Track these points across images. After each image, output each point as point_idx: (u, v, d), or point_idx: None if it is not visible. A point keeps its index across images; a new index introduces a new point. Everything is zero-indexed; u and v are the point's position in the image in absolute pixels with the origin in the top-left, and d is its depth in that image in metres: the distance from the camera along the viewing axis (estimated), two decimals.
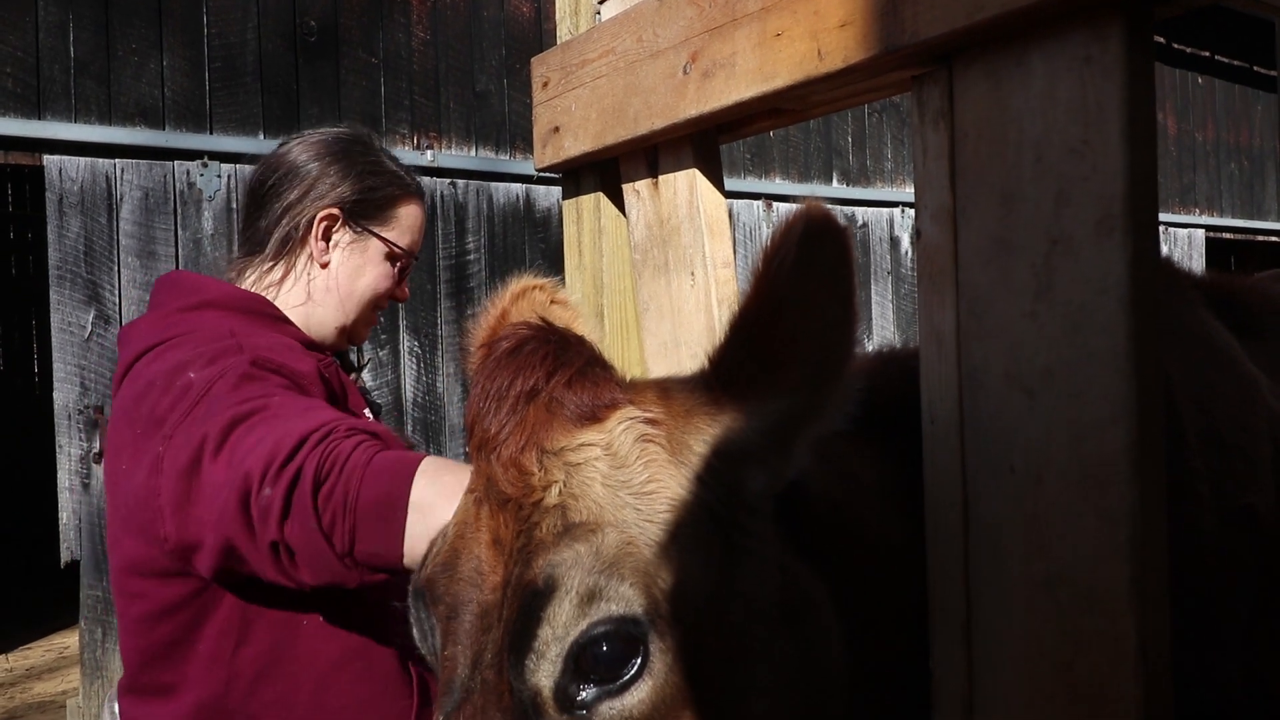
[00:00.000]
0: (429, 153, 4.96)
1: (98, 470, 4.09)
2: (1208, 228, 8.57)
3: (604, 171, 1.44)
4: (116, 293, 4.16)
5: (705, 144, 1.26)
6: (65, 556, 4.02)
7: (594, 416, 0.83)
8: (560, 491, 0.80)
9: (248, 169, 4.52)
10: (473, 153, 5.13)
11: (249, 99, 4.54)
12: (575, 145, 1.39)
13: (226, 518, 1.04)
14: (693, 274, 1.26)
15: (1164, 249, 8.20)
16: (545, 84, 1.46)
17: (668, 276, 1.30)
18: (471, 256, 5.11)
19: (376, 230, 1.41)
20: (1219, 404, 1.16)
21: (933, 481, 0.94)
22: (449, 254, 5.02)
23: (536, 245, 5.26)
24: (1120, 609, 0.78)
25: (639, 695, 0.76)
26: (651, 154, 1.33)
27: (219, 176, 4.44)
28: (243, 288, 1.41)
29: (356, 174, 1.40)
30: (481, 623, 0.81)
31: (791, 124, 1.15)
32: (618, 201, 1.44)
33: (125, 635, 1.29)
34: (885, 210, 6.69)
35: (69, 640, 5.48)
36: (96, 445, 4.06)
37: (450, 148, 5.06)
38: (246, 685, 1.20)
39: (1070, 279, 0.82)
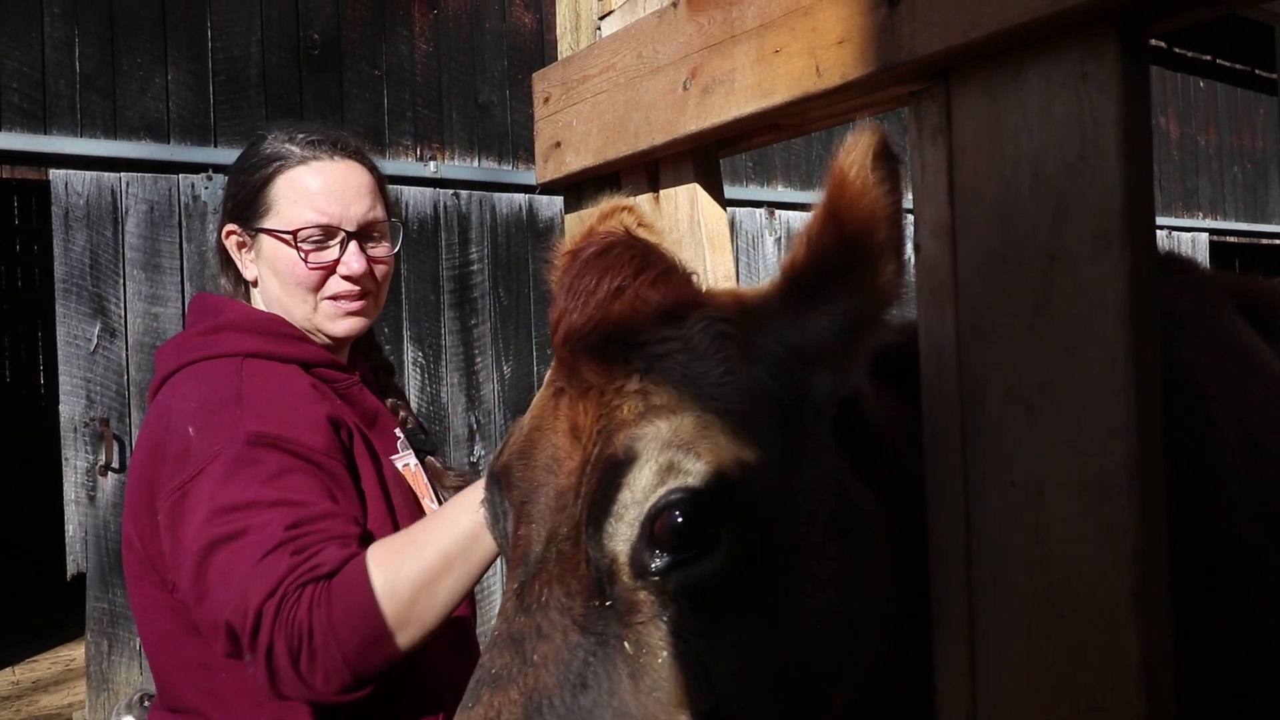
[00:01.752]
0: (432, 164, 4.98)
1: (104, 483, 4.10)
2: (1211, 231, 8.57)
3: (605, 186, 1.44)
4: (122, 305, 4.18)
5: (705, 159, 1.27)
6: (71, 569, 4.03)
7: (675, 315, 0.89)
8: (641, 379, 0.86)
9: None
10: (476, 163, 5.14)
11: (253, 112, 4.56)
12: (577, 160, 1.40)
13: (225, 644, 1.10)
14: None
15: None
16: (546, 99, 1.47)
17: None
18: (475, 267, 5.13)
19: (259, 225, 1.34)
20: (1256, 410, 1.16)
21: (935, 494, 0.94)
22: (452, 264, 5.03)
23: (540, 255, 5.27)
24: (1122, 622, 0.78)
25: (707, 568, 0.80)
26: (652, 169, 1.33)
27: (223, 190, 4.46)
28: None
29: (232, 179, 1.38)
30: (557, 503, 0.86)
31: (791, 138, 1.16)
32: None
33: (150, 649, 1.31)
34: None
35: (75, 653, 5.49)
36: (102, 458, 4.07)
37: (453, 159, 5.08)
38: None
39: (1069, 293, 0.82)
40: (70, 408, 4.05)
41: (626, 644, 0.80)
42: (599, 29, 1.44)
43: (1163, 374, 0.79)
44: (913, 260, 0.94)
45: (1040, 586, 0.85)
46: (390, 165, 4.86)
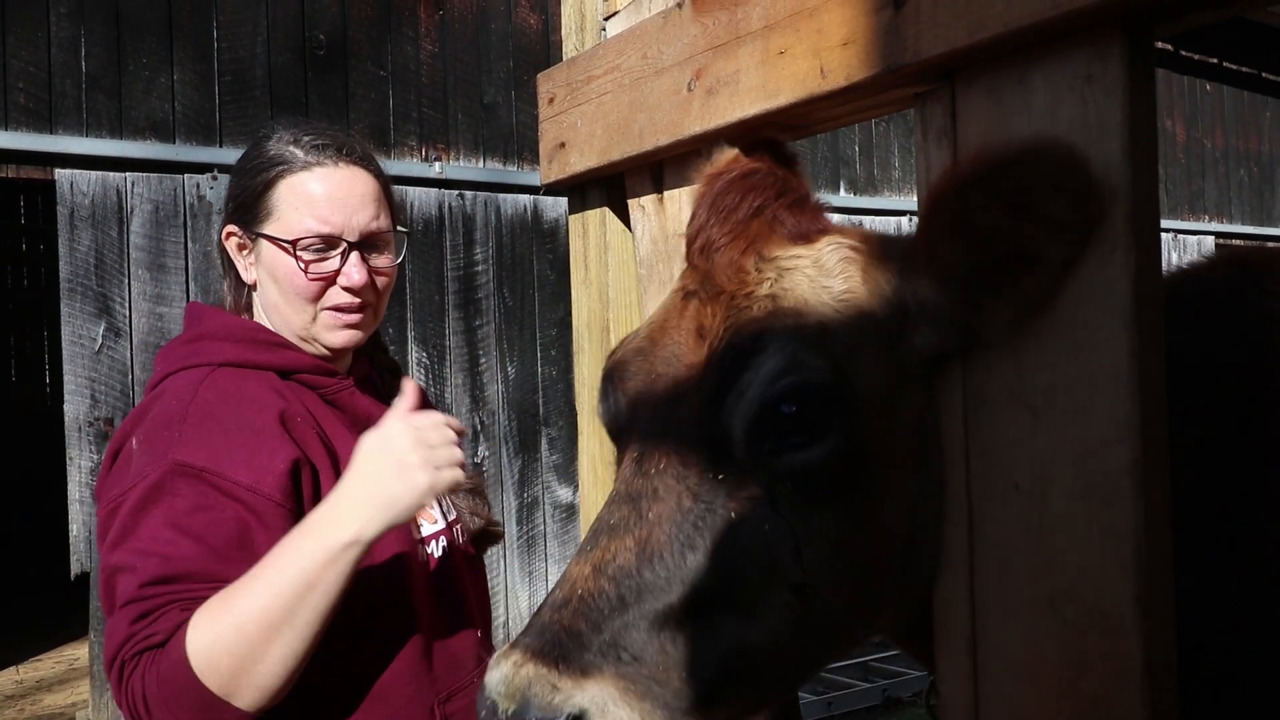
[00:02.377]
0: (437, 164, 4.99)
1: None
2: (1217, 234, 8.54)
3: (610, 187, 1.44)
4: (127, 305, 4.19)
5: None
6: (75, 568, 4.03)
7: (807, 237, 0.99)
8: (771, 285, 0.95)
9: None
10: (481, 164, 5.15)
11: (258, 112, 4.57)
12: (581, 161, 1.39)
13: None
14: None
15: (1174, 256, 8.18)
16: (551, 100, 1.47)
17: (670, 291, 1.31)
18: (480, 268, 5.13)
19: (260, 230, 1.30)
20: None
21: (942, 502, 0.93)
22: (457, 265, 5.04)
23: (545, 256, 5.27)
24: (1125, 628, 0.78)
25: (814, 455, 0.88)
26: (657, 170, 1.33)
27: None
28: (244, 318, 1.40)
29: (235, 179, 1.34)
30: (675, 390, 0.95)
31: (795, 139, 1.16)
32: (623, 216, 1.44)
33: None
34: (893, 219, 6.68)
35: (79, 652, 5.49)
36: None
37: (458, 159, 5.09)
38: None
39: (1073, 297, 0.82)
40: (75, 407, 4.06)
41: (733, 514, 0.89)
42: (604, 30, 1.43)
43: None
44: None
45: (1043, 591, 0.84)
46: (395, 166, 4.87)
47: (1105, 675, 0.79)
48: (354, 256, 1.29)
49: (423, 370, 4.93)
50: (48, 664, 5.55)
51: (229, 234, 1.36)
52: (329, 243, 1.29)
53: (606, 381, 1.05)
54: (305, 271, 1.29)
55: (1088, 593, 0.81)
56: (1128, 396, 0.78)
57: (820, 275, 0.96)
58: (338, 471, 1.24)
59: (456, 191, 5.08)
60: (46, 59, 4.10)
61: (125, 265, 4.22)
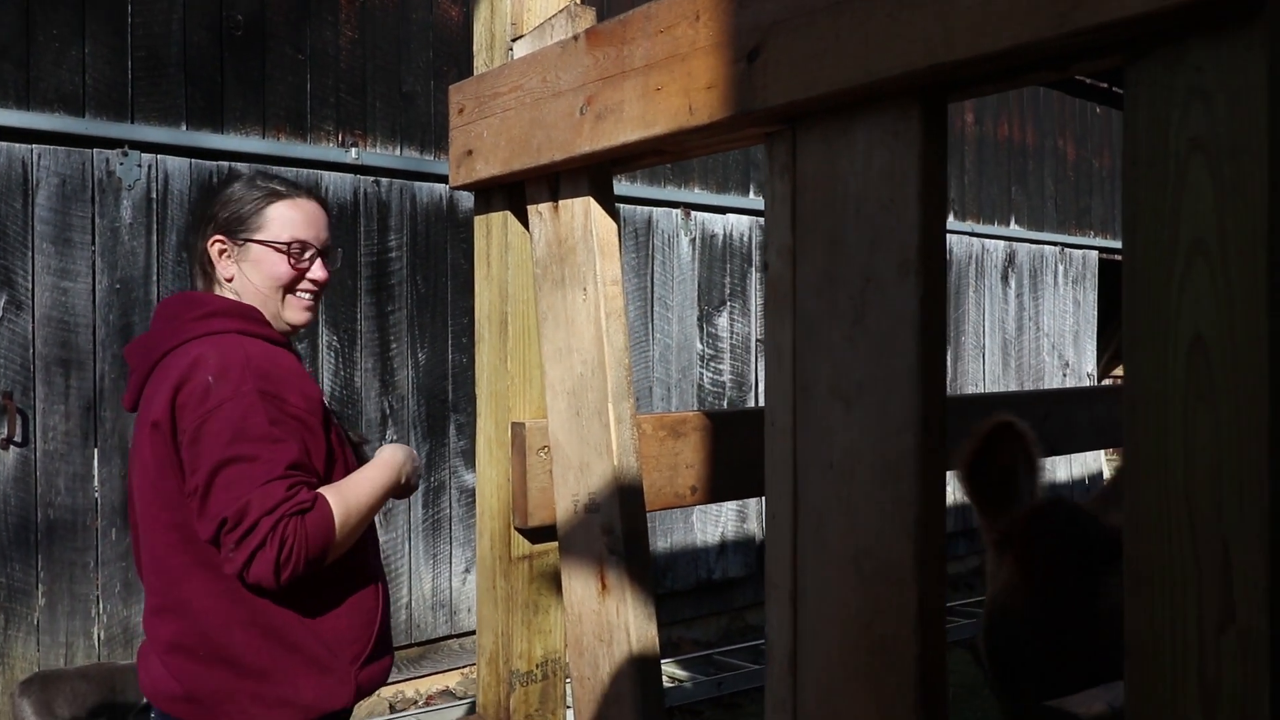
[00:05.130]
0: (354, 150, 5.03)
1: (4, 456, 4.05)
2: (1101, 249, 9.09)
3: (511, 192, 1.58)
4: (30, 278, 4.13)
5: (599, 175, 1.42)
6: None
7: None
8: None
9: (169, 159, 4.51)
10: (398, 152, 5.20)
11: (173, 89, 4.54)
12: (486, 168, 1.54)
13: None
14: (585, 289, 1.42)
15: (1060, 269, 8.68)
16: (461, 110, 1.60)
17: (564, 290, 1.46)
18: (393, 254, 5.18)
19: (253, 237, 1.74)
20: None
21: (771, 473, 1.11)
22: (370, 251, 5.08)
23: (459, 245, 5.35)
24: (907, 579, 0.97)
25: None
26: (553, 180, 1.48)
27: (139, 166, 4.44)
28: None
29: (223, 204, 1.77)
30: None
31: (673, 161, 1.32)
32: (523, 220, 1.59)
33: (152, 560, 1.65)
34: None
35: None
36: (4, 431, 4.03)
37: (375, 146, 5.12)
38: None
39: (879, 310, 1.00)
40: None
41: None
42: (511, 50, 1.58)
43: None
44: (764, 276, 1.11)
45: (849, 550, 1.03)
46: (311, 150, 4.89)
47: (891, 618, 0.98)
48: (319, 260, 1.74)
49: (332, 354, 4.97)
50: None
51: (215, 241, 1.75)
52: (304, 248, 1.72)
53: None
54: (293, 266, 1.72)
55: (881, 551, 0.99)
56: (915, 392, 0.96)
57: None
58: (335, 423, 1.75)
59: (372, 178, 5.12)
60: None
61: (30, 238, 4.17)
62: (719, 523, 6.18)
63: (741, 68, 1.09)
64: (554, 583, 1.60)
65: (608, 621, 1.38)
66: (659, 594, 5.84)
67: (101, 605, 4.25)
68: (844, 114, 1.03)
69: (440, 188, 5.31)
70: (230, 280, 1.74)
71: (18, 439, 4.04)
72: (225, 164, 4.66)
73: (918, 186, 0.97)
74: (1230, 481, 0.74)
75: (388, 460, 1.66)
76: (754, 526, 6.51)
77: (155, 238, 4.46)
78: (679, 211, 6.20)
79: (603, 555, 1.39)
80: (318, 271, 1.73)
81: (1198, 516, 0.76)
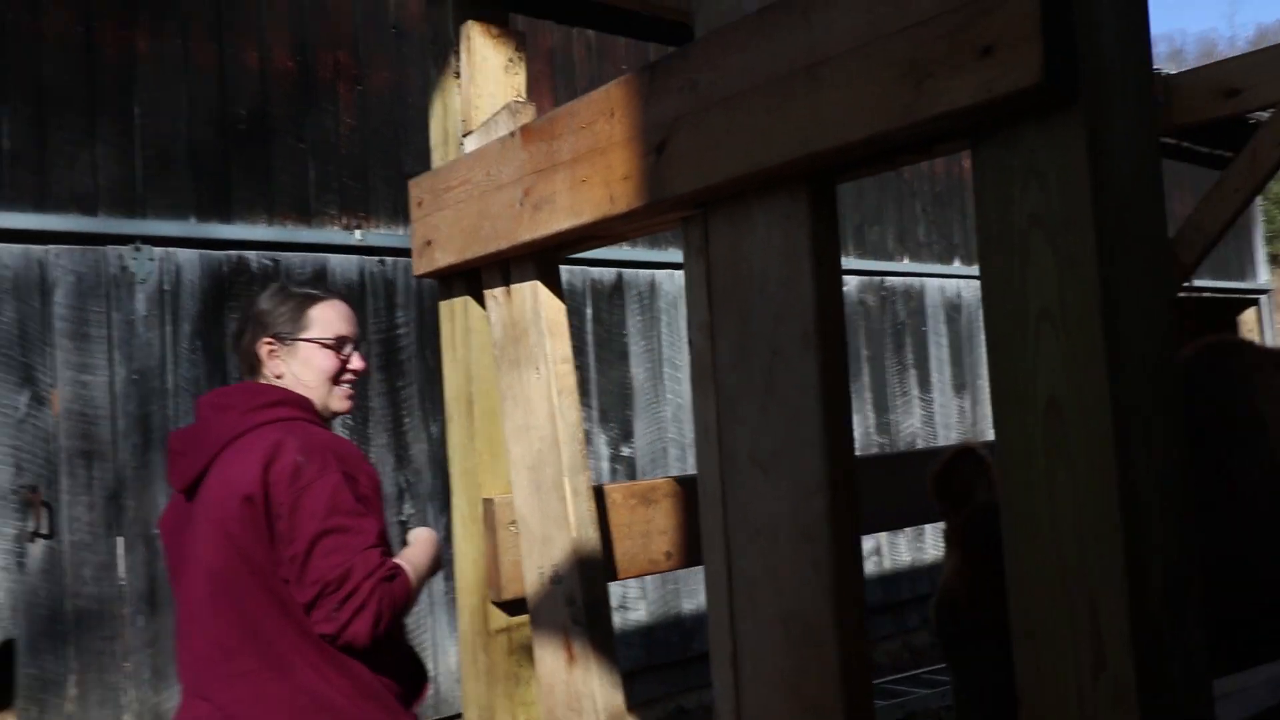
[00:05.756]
0: (358, 232, 5.18)
1: (32, 549, 4.16)
2: None
3: (469, 279, 1.67)
4: (51, 374, 4.28)
5: (544, 261, 1.50)
6: (0, 635, 4.07)
7: None
8: None
9: (180, 251, 4.65)
10: (401, 231, 5.34)
11: (181, 185, 4.72)
12: (444, 257, 1.62)
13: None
14: (537, 368, 1.49)
15: None
16: (420, 203, 1.69)
17: (519, 370, 1.53)
18: (401, 331, 5.30)
19: (301, 336, 1.93)
20: None
21: (706, 541, 1.16)
22: (379, 328, 5.20)
23: None
24: (827, 639, 1.01)
25: None
26: (505, 267, 1.56)
27: (151, 260, 4.60)
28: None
29: (264, 310, 1.97)
30: None
31: (607, 245, 1.39)
32: (482, 304, 1.66)
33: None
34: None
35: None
36: (30, 524, 4.14)
37: (379, 226, 5.28)
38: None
39: (786, 381, 1.06)
40: None
41: None
42: (462, 144, 1.67)
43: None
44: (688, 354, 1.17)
45: (778, 613, 1.07)
46: (316, 234, 5.04)
47: (817, 677, 1.02)
48: (356, 352, 1.94)
49: (346, 431, 5.07)
50: None
51: (264, 344, 1.94)
52: (343, 342, 1.92)
53: None
54: (338, 359, 1.91)
55: (804, 613, 1.04)
56: (822, 458, 1.01)
57: None
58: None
59: (377, 258, 5.26)
60: None
61: (49, 335, 4.32)
62: None
63: (652, 160, 1.17)
64: (532, 654, 1.65)
65: (575, 691, 1.42)
66: (688, 657, 5.81)
67: (131, 694, 4.31)
68: (745, 198, 1.10)
69: None
70: (280, 377, 1.94)
71: (44, 531, 4.14)
72: (234, 253, 4.81)
73: (811, 263, 1.03)
74: (1091, 537, 0.78)
75: (429, 538, 1.84)
76: None
77: (170, 328, 4.60)
78: (682, 273, 6.29)
79: (567, 626, 1.44)
80: (357, 362, 1.94)
81: (1068, 571, 0.80)
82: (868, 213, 7.39)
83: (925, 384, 7.60)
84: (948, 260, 8.04)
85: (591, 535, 1.44)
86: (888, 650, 7.10)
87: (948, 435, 7.67)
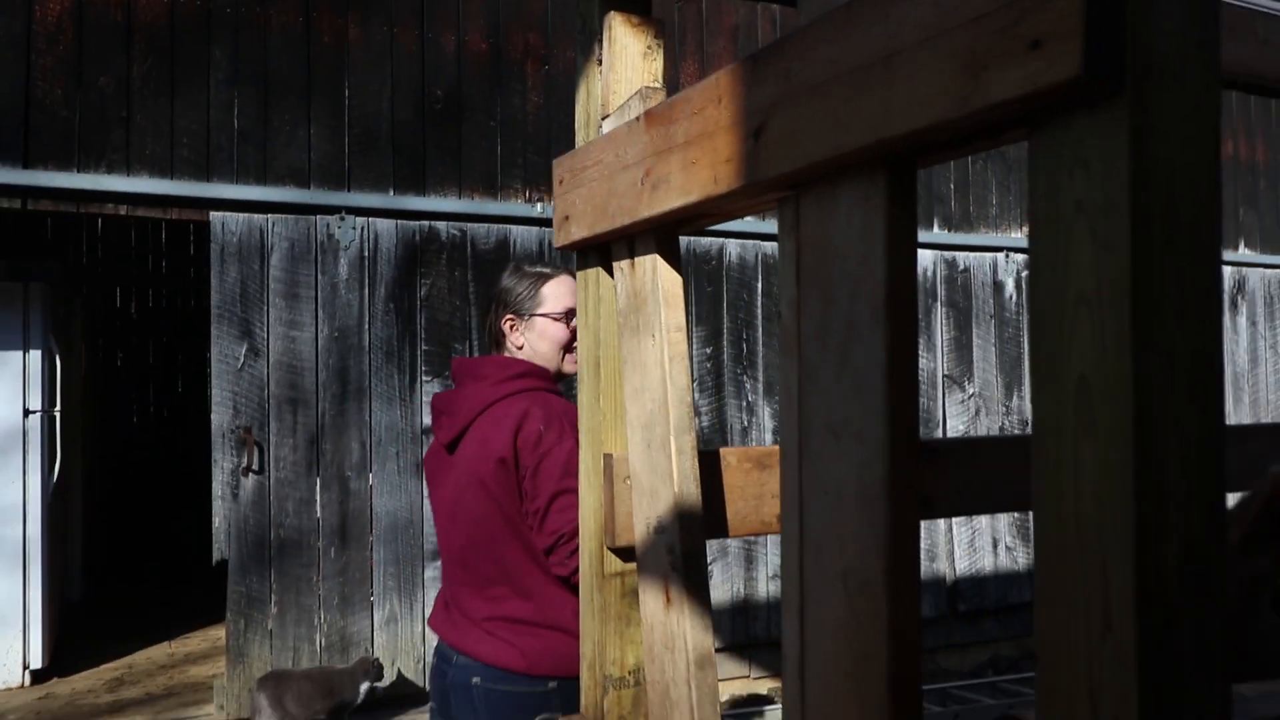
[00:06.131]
0: (539, 205, 5.46)
1: (246, 482, 4.72)
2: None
3: (601, 251, 1.80)
4: (265, 329, 4.81)
5: (664, 235, 1.61)
6: (216, 555, 4.64)
7: None
8: None
9: (379, 221, 5.06)
10: None
11: (382, 161, 5.15)
12: (579, 231, 1.76)
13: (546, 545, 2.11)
14: (653, 335, 1.61)
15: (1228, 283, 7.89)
16: (560, 181, 1.84)
17: (638, 337, 1.66)
18: None
19: (536, 311, 2.28)
20: None
21: (784, 501, 1.25)
22: None
23: None
24: (880, 594, 1.08)
25: None
26: (630, 240, 1.68)
27: (354, 229, 5.05)
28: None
29: (505, 290, 2.34)
30: None
31: (720, 223, 1.49)
32: (611, 275, 1.80)
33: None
34: (989, 255, 6.77)
35: (219, 633, 6.19)
36: (244, 461, 4.69)
37: None
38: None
39: (857, 353, 1.12)
40: (220, 417, 4.69)
41: None
42: (600, 127, 1.80)
43: None
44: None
45: (839, 568, 1.15)
46: (501, 207, 5.37)
47: (870, 630, 1.09)
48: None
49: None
50: (194, 641, 6.27)
51: (506, 320, 2.30)
52: (571, 314, 2.23)
53: None
54: (569, 330, 2.26)
55: (861, 569, 1.11)
56: (884, 426, 1.08)
57: None
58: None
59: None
60: (206, 119, 4.79)
61: (265, 295, 4.85)
62: None
63: (750, 144, 1.25)
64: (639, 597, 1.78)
65: (670, 631, 1.54)
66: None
67: (322, 616, 4.82)
68: (829, 180, 1.17)
69: None
70: (520, 348, 2.30)
71: (255, 468, 4.69)
72: (426, 223, 5.21)
73: (884, 246, 1.09)
74: (1108, 507, 0.82)
75: None
76: (944, 566, 6.35)
77: (367, 291, 5.05)
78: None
79: (667, 572, 1.56)
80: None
81: (1085, 539, 0.84)
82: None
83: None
84: None
85: (693, 491, 1.55)
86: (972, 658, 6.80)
87: None
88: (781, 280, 1.27)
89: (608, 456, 1.76)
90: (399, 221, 5.15)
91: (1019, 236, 6.88)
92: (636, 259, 1.66)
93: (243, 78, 4.89)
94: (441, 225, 5.23)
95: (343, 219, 5.01)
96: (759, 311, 5.94)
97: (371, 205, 5.08)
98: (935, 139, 1.01)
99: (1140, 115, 0.82)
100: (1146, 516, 0.80)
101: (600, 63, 1.81)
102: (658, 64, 1.81)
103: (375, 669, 4.59)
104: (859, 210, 1.13)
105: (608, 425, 1.79)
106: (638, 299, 1.66)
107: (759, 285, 5.97)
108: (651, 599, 1.61)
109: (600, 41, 1.81)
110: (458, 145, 5.37)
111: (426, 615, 4.92)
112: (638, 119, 1.55)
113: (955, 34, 0.94)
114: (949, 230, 6.68)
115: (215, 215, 4.76)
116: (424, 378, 5.04)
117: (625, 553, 1.76)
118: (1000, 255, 6.78)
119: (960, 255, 6.63)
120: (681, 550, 1.52)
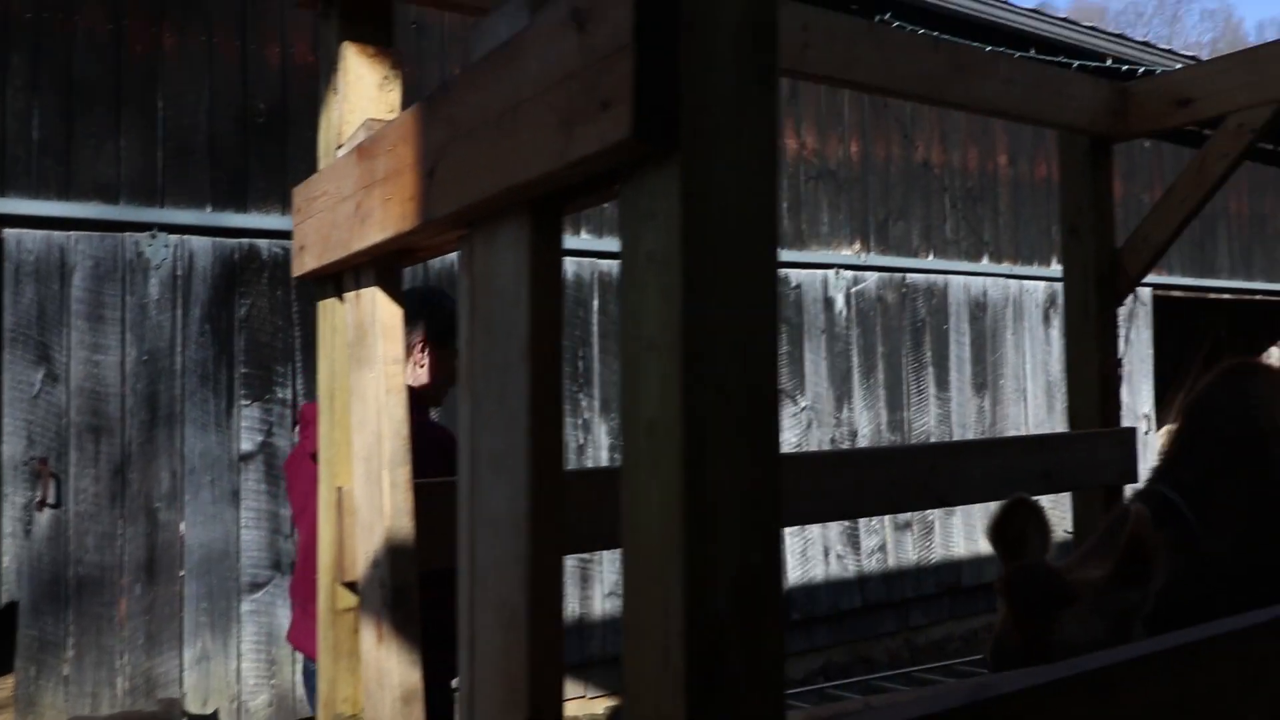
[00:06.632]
0: None
1: (40, 517, 4.44)
2: (1156, 286, 8.90)
3: (336, 281, 1.79)
4: (66, 353, 4.56)
5: (383, 267, 1.62)
6: (4, 598, 4.35)
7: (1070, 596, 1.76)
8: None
9: (194, 239, 4.87)
10: None
11: (199, 175, 4.97)
12: (310, 262, 1.75)
13: None
14: (373, 368, 1.61)
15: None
16: (298, 210, 1.83)
17: (361, 369, 1.65)
18: None
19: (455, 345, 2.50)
20: None
21: (459, 536, 1.27)
22: None
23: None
24: (521, 624, 1.11)
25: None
26: (356, 272, 1.68)
27: (166, 247, 4.85)
28: None
29: (429, 317, 2.62)
30: None
31: (430, 257, 1.50)
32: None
33: None
34: (820, 272, 7.03)
35: (8, 682, 5.78)
36: (38, 493, 4.42)
37: None
38: None
39: (511, 391, 1.16)
40: (11, 448, 4.41)
41: None
42: (334, 158, 1.80)
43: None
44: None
45: (495, 600, 1.17)
46: None
47: (512, 661, 1.12)
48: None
49: None
50: None
51: (423, 343, 2.58)
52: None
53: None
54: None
55: (509, 600, 1.14)
56: (525, 461, 1.11)
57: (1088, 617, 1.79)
58: None
59: None
60: (1, 128, 4.51)
61: (66, 317, 4.60)
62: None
63: (427, 182, 1.28)
64: None
65: (380, 667, 1.54)
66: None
67: (125, 658, 4.57)
68: (490, 220, 1.20)
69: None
70: (422, 367, 2.58)
71: (52, 501, 4.42)
72: (247, 241, 5.04)
73: (528, 287, 1.12)
74: (667, 544, 0.87)
75: None
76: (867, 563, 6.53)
77: (180, 312, 4.85)
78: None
79: (379, 608, 1.56)
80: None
81: (654, 575, 0.89)
82: (893, 208, 7.38)
83: (943, 383, 7.56)
84: (975, 258, 7.98)
85: (405, 525, 1.56)
86: (888, 648, 7.09)
87: (963, 434, 7.62)
88: (461, 317, 1.30)
89: (339, 490, 1.74)
90: (216, 239, 4.97)
91: (849, 254, 7.17)
92: (361, 291, 1.66)
93: (43, 85, 4.63)
94: (263, 243, 5.07)
95: (154, 236, 4.80)
96: (594, 329, 5.99)
97: (187, 222, 4.89)
98: (552, 187, 1.06)
99: (691, 173, 0.88)
100: (697, 552, 0.86)
101: (336, 91, 1.81)
102: (395, 95, 1.82)
103: (178, 711, 4.39)
104: (510, 251, 1.16)
105: (341, 457, 1.78)
106: (361, 330, 1.66)
107: (594, 303, 6.03)
108: (368, 634, 1.60)
109: (336, 71, 1.81)
110: (282, 160, 5.23)
111: (242, 651, 4.74)
112: (353, 151, 1.56)
113: (557, 90, 0.98)
114: (781, 248, 6.91)
115: (10, 232, 4.49)
116: (242, 401, 4.88)
117: (355, 587, 1.75)
118: (831, 272, 7.05)
119: (793, 273, 6.86)
120: (392, 585, 1.53)
